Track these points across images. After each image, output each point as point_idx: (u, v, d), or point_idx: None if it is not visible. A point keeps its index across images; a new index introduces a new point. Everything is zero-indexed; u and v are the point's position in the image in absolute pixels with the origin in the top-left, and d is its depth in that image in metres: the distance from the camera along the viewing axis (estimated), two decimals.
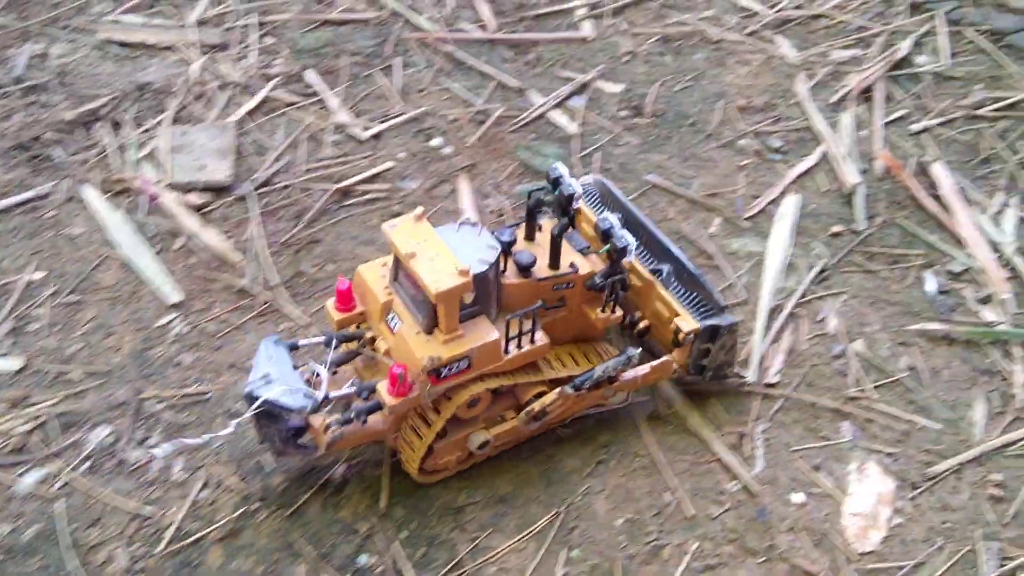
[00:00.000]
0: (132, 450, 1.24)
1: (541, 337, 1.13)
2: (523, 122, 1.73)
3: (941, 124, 1.73)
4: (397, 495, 1.21)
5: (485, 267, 1.08)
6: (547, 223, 1.21)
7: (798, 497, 1.22)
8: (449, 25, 1.94)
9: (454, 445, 1.17)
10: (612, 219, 1.16)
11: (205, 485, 1.21)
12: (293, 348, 1.15)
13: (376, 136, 1.70)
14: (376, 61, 1.85)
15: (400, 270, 1.11)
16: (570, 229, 1.18)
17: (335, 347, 1.14)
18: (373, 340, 1.14)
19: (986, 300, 1.45)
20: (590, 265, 1.18)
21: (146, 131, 1.69)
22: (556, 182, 1.17)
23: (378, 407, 1.10)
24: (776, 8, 1.97)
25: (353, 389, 1.11)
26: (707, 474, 1.24)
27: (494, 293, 1.11)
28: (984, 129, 1.72)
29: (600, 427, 1.28)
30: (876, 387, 1.34)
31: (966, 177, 1.63)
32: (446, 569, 1.14)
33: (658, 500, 1.22)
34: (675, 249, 1.28)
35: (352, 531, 1.17)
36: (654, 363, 1.24)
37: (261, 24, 1.92)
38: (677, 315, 1.23)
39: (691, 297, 1.25)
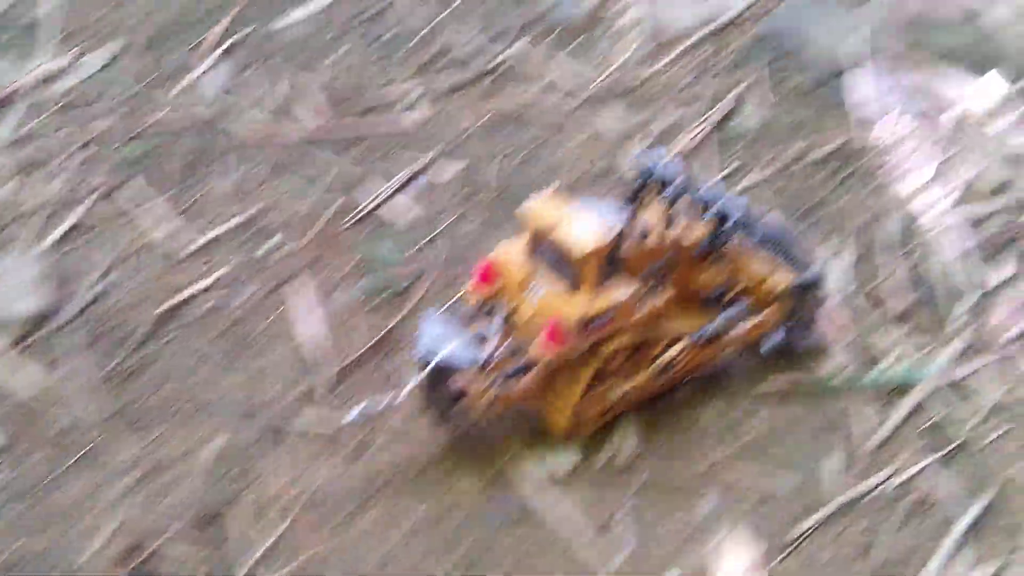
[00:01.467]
0: None
1: (665, 293, 1.28)
2: (363, 213, 1.70)
3: (773, 174, 1.78)
4: None
5: (618, 230, 1.21)
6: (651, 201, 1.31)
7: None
8: (279, 122, 1.89)
9: (595, 399, 1.29)
10: (715, 190, 1.34)
11: None
12: (451, 320, 1.27)
13: (207, 244, 1.63)
14: (203, 165, 1.79)
15: (538, 243, 1.23)
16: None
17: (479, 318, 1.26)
18: (511, 313, 1.24)
19: (822, 349, 1.47)
20: (696, 233, 1.31)
21: None
22: (649, 172, 1.29)
23: (531, 365, 1.22)
24: (604, 76, 2.01)
25: (512, 347, 1.22)
26: (575, 567, 1.21)
27: (620, 256, 1.23)
28: (812, 176, 1.78)
29: (464, 531, 1.23)
30: (733, 452, 1.34)
31: (800, 224, 1.67)
32: None
33: None
34: (764, 218, 1.40)
35: None
36: (755, 318, 1.37)
37: (78, 134, 1.83)
38: (772, 273, 1.36)
39: (778, 260, 1.38)
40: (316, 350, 1.46)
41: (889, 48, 2.02)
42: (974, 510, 1.26)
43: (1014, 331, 1.48)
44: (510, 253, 1.26)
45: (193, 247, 1.62)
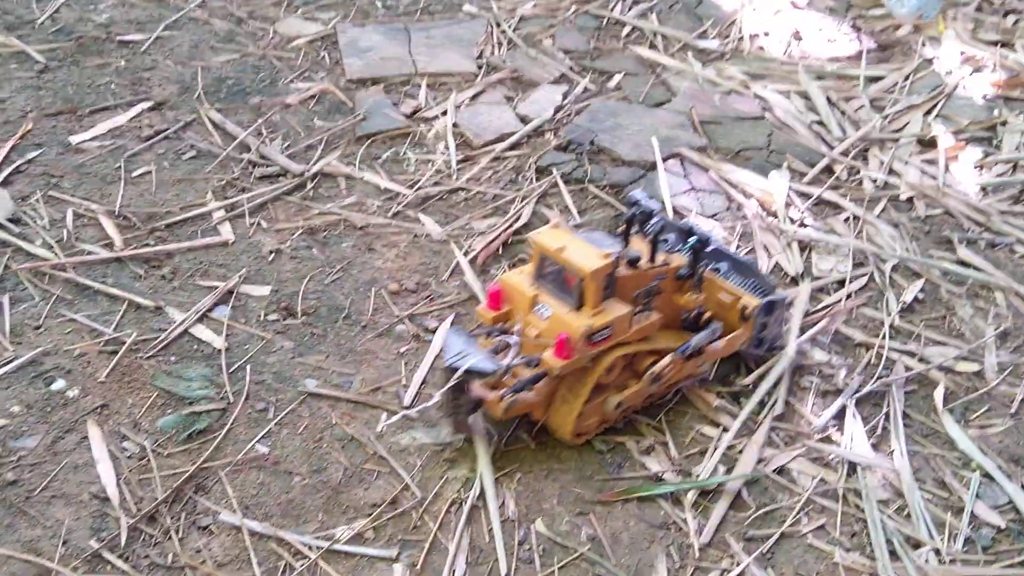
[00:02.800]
0: None
1: (654, 314, 1.43)
2: (162, 344, 1.59)
3: None
4: None
5: (616, 256, 1.36)
6: (634, 236, 1.47)
7: None
8: (67, 249, 1.77)
9: (595, 409, 1.43)
10: (691, 221, 1.59)
11: None
12: (470, 335, 1.42)
13: None
14: None
15: (544, 268, 1.38)
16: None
17: (491, 336, 1.43)
18: (518, 332, 1.39)
19: (649, 450, 1.48)
20: (678, 260, 1.48)
21: None
22: (635, 203, 1.46)
23: (542, 377, 1.37)
24: (415, 187, 2.00)
25: (525, 359, 1.37)
26: None
27: (613, 282, 1.37)
28: None
29: None
30: (563, 568, 1.30)
31: None
32: None
33: None
34: (724, 248, 1.59)
35: None
36: (729, 336, 1.53)
37: None
38: (741, 297, 1.53)
39: (746, 284, 1.57)
40: (110, 501, 1.33)
41: (689, 146, 2.12)
42: None
43: (823, 419, 1.54)
44: (515, 280, 1.42)
45: None
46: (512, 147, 2.13)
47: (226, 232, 1.85)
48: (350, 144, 2.13)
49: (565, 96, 2.31)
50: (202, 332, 1.63)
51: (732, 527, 1.38)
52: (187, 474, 1.37)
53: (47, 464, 1.38)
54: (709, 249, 1.51)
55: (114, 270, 1.74)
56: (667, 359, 1.45)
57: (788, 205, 2.00)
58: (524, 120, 2.21)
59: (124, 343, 1.58)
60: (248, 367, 1.57)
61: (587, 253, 1.35)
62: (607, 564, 1.31)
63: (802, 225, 1.96)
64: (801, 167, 2.13)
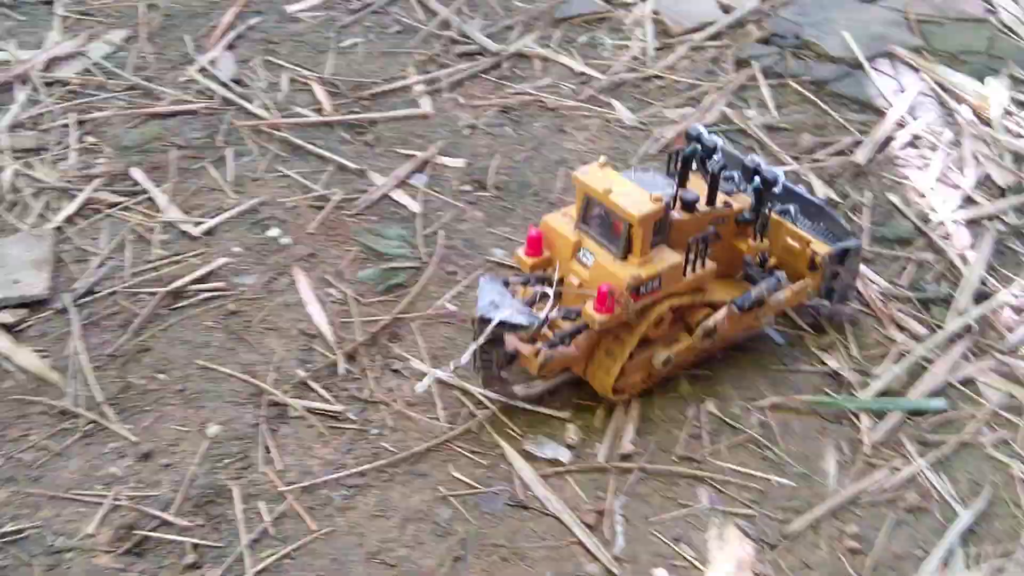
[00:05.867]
0: None
1: (710, 262, 1.29)
2: (365, 204, 1.70)
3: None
4: None
5: (669, 200, 1.25)
6: (692, 175, 1.34)
7: (660, 572, 1.19)
8: (283, 110, 1.89)
9: (639, 365, 1.32)
10: (756, 158, 1.34)
11: None
12: (505, 284, 1.29)
13: (209, 232, 1.63)
14: (207, 153, 1.79)
15: (589, 211, 1.26)
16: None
17: (528, 284, 1.31)
18: (560, 280, 1.28)
19: (829, 347, 1.47)
20: (739, 202, 1.34)
21: None
22: (696, 137, 1.32)
23: (582, 329, 1.26)
24: (610, 71, 2.00)
25: (563, 312, 1.26)
26: (569, 558, 1.20)
27: (666, 226, 1.26)
28: (822, 173, 1.76)
29: (457, 520, 1.23)
30: (729, 448, 1.33)
31: None
32: None
33: None
34: (796, 188, 1.44)
35: None
36: (794, 286, 1.38)
37: (80, 123, 1.83)
38: (810, 243, 1.38)
39: (817, 229, 1.41)
40: (316, 337, 1.46)
41: (903, 45, 2.01)
42: (968, 514, 1.25)
43: (1019, 333, 1.48)
44: (557, 224, 1.30)
45: (195, 234, 1.62)
46: (712, 37, 2.09)
47: (425, 105, 1.93)
48: (547, 26, 2.15)
49: None
50: (401, 196, 1.72)
51: (908, 429, 1.36)
52: (384, 322, 1.48)
53: (263, 300, 1.52)
54: (776, 191, 1.33)
55: (323, 133, 1.85)
56: (722, 312, 1.32)
57: (1007, 114, 1.88)
58: (726, 10, 2.15)
59: (331, 200, 1.70)
60: (441, 232, 1.65)
61: (636, 196, 1.22)
62: (775, 449, 1.33)
63: (1018, 136, 1.83)
64: (1022, 75, 1.98)
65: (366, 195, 1.71)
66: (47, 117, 1.84)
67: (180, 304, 1.50)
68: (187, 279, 1.54)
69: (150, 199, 1.69)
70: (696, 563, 1.20)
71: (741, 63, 2.02)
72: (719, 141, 1.32)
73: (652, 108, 1.92)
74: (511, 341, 1.27)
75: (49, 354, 1.41)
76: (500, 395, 1.34)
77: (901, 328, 1.50)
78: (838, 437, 1.35)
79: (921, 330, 1.49)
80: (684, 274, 1.27)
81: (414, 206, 1.70)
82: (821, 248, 1.38)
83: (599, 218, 1.25)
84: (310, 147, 1.80)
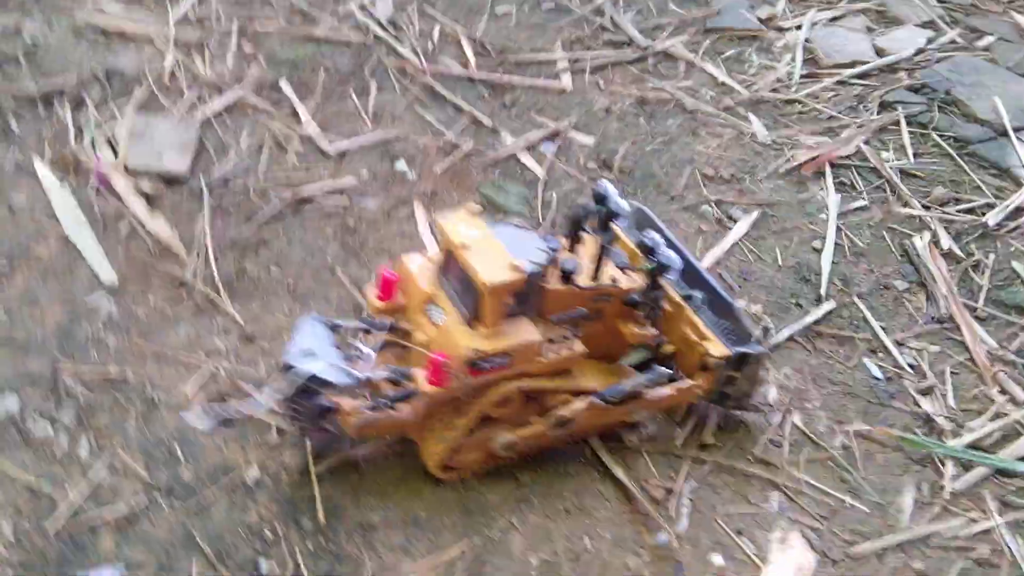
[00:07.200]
0: (37, 422, 1.18)
1: (578, 345, 1.14)
2: (489, 161, 1.73)
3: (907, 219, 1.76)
4: (311, 507, 1.16)
5: (536, 268, 1.08)
6: (588, 237, 1.20)
7: (718, 559, 1.19)
8: (429, 58, 1.94)
9: (477, 444, 1.16)
10: (657, 237, 1.19)
11: (111, 468, 1.15)
12: (333, 328, 1.14)
13: (342, 153, 1.69)
14: (352, 82, 1.85)
15: (450, 263, 1.10)
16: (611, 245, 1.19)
17: (369, 332, 1.14)
18: (406, 333, 1.14)
19: (927, 392, 1.45)
20: (629, 281, 1.18)
21: (108, 116, 1.65)
22: (602, 198, 1.16)
23: (412, 395, 1.09)
24: (752, 88, 2.01)
25: (390, 374, 1.10)
26: (629, 525, 1.21)
27: (535, 297, 1.11)
28: (945, 226, 1.74)
29: (525, 467, 1.25)
30: (809, 462, 1.33)
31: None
32: None
33: (576, 544, 1.18)
34: (709, 277, 1.30)
35: (257, 535, 1.12)
36: (679, 384, 1.24)
37: (242, 30, 1.91)
38: (707, 340, 1.23)
39: (720, 325, 1.26)
40: None
41: None
42: None
43: None
44: (415, 268, 1.14)
45: (328, 152, 1.67)
46: (860, 76, 2.08)
47: (566, 81, 1.96)
48: (698, 33, 2.16)
49: (929, 41, 2.20)
50: (527, 159, 1.76)
51: (992, 487, 1.34)
52: None
53: (381, 224, 1.56)
54: (670, 277, 1.19)
55: (464, 87, 1.90)
56: (582, 403, 1.17)
57: None
58: (880, 53, 2.14)
59: (460, 148, 1.74)
60: (559, 199, 1.68)
61: (494, 259, 1.06)
62: (854, 473, 1.32)
63: None
64: None
65: (495, 151, 1.75)
66: (213, 18, 1.93)
67: (304, 210, 1.56)
68: (314, 188, 1.59)
69: (294, 112, 1.75)
70: (756, 559, 1.20)
71: (885, 106, 2.01)
72: (626, 209, 1.15)
73: (788, 130, 1.92)
74: (329, 393, 1.08)
75: (177, 228, 1.48)
76: (323, 446, 1.18)
77: (1003, 391, 1.47)
78: (920, 478, 1.33)
79: (1022, 396, 1.46)
80: (542, 353, 1.12)
81: (539, 171, 1.73)
82: (716, 349, 1.23)
83: (458, 274, 1.09)
84: (449, 96, 1.85)
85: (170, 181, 1.55)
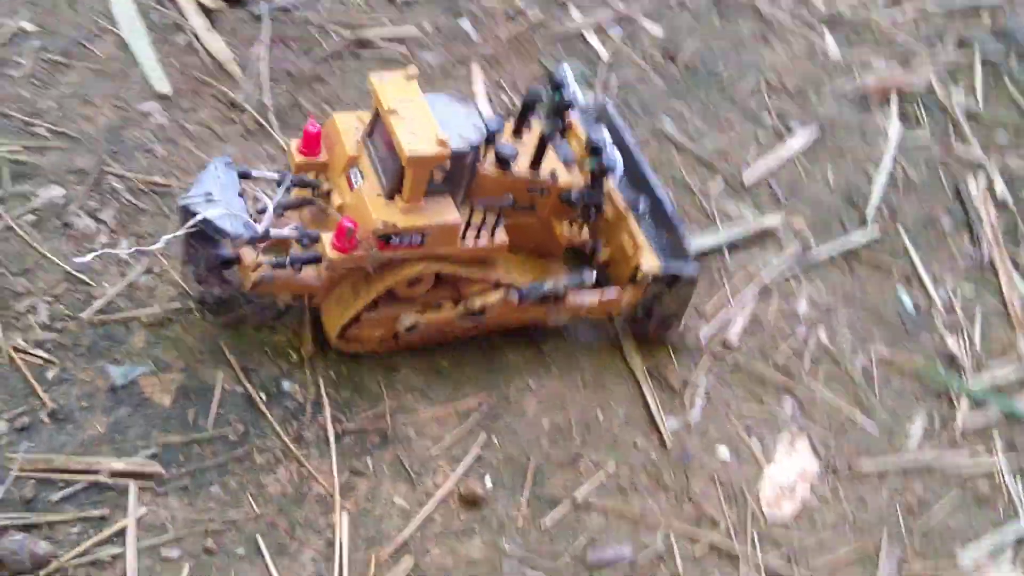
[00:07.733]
0: (80, 217, 1.19)
1: (501, 234, 1.08)
2: (552, 36, 1.69)
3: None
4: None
5: (466, 146, 1.01)
6: (537, 124, 1.12)
7: (724, 452, 1.22)
8: None
9: (381, 321, 1.10)
10: (606, 136, 1.12)
11: (148, 271, 1.17)
12: (244, 176, 1.07)
13: (407, 2, 1.65)
14: None
15: (377, 127, 1.04)
16: (560, 137, 1.13)
17: (288, 188, 1.07)
18: (328, 193, 1.08)
19: (954, 329, 1.45)
20: (570, 177, 1.12)
21: None
22: (559, 85, 1.09)
23: (317, 259, 1.03)
24: (832, 3, 1.95)
25: (295, 233, 1.04)
26: (643, 407, 1.23)
27: (466, 178, 1.05)
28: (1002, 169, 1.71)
29: (549, 336, 1.26)
30: (828, 377, 1.33)
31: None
32: (364, 417, 1.12)
33: (589, 414, 1.20)
34: (659, 189, 1.22)
35: (282, 356, 1.14)
36: (604, 292, 1.18)
37: None
38: (641, 251, 1.17)
39: (662, 241, 1.19)
40: None
41: None
42: None
43: None
44: (343, 127, 1.07)
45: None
46: (945, 11, 2.01)
47: None
48: None
49: None
50: (593, 39, 1.72)
51: (1002, 429, 1.35)
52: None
53: (436, 79, 1.54)
54: (613, 179, 1.13)
55: None
56: (496, 295, 1.11)
57: None
58: None
59: (527, 16, 1.70)
60: (618, 84, 1.65)
61: (423, 129, 0.99)
62: (870, 394, 1.33)
63: None
64: None
65: (561, 26, 1.71)
66: None
67: (363, 53, 1.53)
68: (375, 32, 1.56)
69: None
70: (760, 457, 1.22)
71: (963, 43, 1.95)
72: (581, 99, 1.09)
73: (860, 50, 1.87)
74: (227, 243, 1.02)
75: (235, 49, 1.46)
76: (215, 298, 1.10)
77: None
78: (933, 409, 1.34)
79: None
80: (463, 239, 1.07)
81: (603, 53, 1.69)
82: (648, 263, 1.16)
83: (384, 140, 1.02)
84: None
85: (232, 0, 1.52)
